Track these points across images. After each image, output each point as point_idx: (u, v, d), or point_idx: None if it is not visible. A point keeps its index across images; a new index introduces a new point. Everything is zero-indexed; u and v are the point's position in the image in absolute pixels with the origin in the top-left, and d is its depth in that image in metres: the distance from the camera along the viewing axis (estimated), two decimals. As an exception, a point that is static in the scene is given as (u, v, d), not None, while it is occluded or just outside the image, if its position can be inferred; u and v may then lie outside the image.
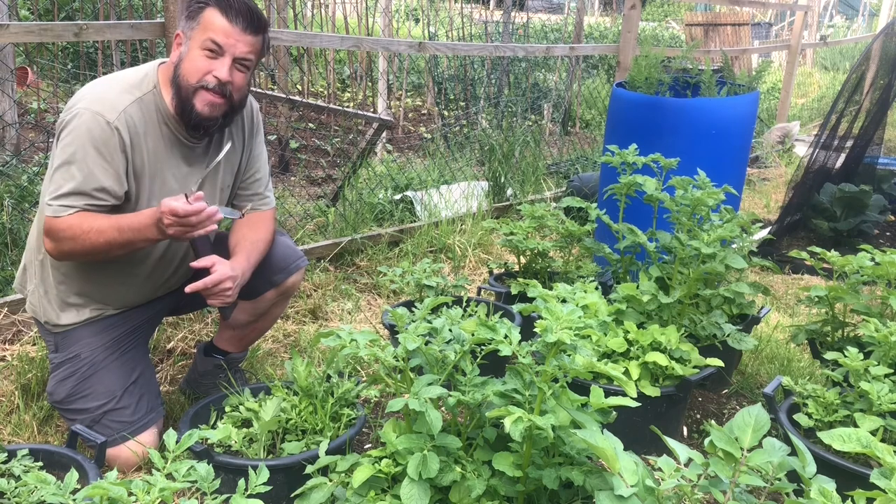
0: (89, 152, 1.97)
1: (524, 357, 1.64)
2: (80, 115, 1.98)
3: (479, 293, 3.20)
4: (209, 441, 1.93)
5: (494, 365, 2.42)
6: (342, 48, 5.16)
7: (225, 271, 2.06)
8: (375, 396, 2.24)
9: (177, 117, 2.10)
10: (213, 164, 2.08)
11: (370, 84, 7.30)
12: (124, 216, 2.02)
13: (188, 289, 2.06)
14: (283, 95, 4.90)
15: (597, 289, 2.03)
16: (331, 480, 1.72)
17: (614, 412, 1.73)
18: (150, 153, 2.09)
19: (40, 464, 1.86)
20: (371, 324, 3.27)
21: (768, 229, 4.52)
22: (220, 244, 2.35)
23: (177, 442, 1.63)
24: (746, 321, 2.80)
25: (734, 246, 2.75)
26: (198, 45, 2.02)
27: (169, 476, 1.55)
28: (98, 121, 1.98)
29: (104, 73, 2.14)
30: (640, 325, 2.52)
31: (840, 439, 1.55)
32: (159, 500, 1.46)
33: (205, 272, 2.06)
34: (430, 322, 1.82)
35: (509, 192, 5.04)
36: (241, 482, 1.51)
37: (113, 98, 2.03)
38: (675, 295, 2.56)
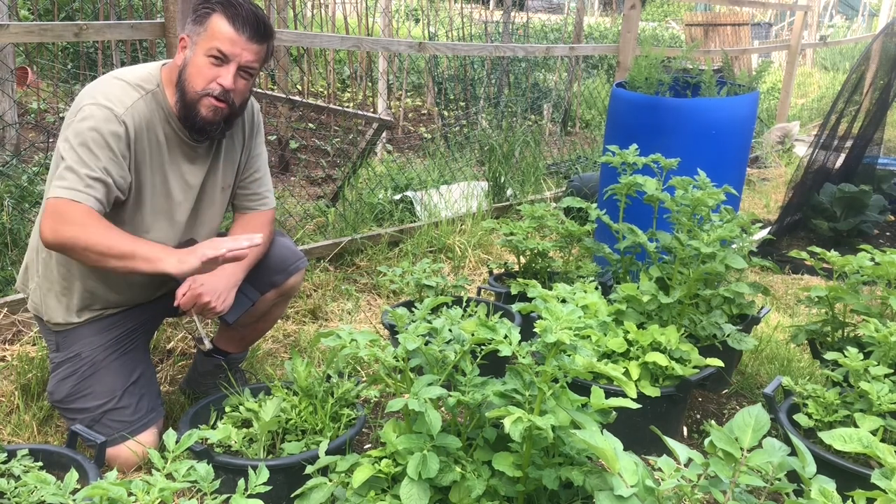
0: (98, 142, 1.97)
1: (524, 357, 1.64)
2: (89, 107, 1.99)
3: (479, 293, 3.20)
4: (209, 441, 1.93)
5: (494, 365, 2.42)
6: (342, 48, 5.16)
7: (195, 289, 2.08)
8: (375, 396, 2.24)
9: (179, 118, 2.11)
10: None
11: (370, 84, 7.30)
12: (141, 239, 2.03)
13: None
14: (283, 95, 4.90)
15: (597, 289, 2.03)
16: (331, 480, 1.72)
17: (614, 412, 1.72)
18: (154, 149, 2.11)
19: (40, 464, 1.85)
20: (371, 324, 3.26)
21: (768, 229, 4.51)
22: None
23: (177, 442, 1.63)
24: (746, 321, 2.80)
25: (734, 246, 2.75)
26: (203, 51, 2.03)
27: (169, 476, 1.55)
28: (107, 113, 1.99)
29: (104, 73, 2.14)
30: (640, 326, 2.52)
31: (841, 439, 1.55)
32: (159, 500, 1.46)
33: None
34: (429, 322, 1.82)
35: (509, 192, 5.03)
36: (241, 482, 1.51)
37: (120, 94, 2.04)
38: (675, 295, 2.55)
